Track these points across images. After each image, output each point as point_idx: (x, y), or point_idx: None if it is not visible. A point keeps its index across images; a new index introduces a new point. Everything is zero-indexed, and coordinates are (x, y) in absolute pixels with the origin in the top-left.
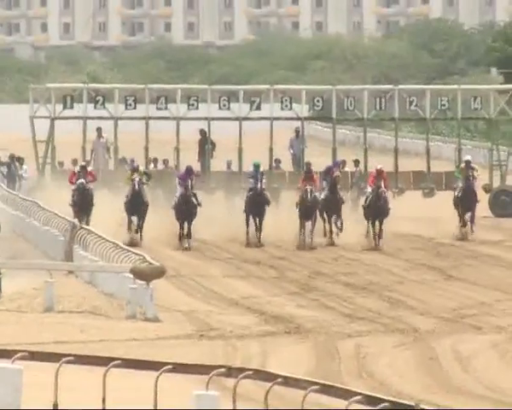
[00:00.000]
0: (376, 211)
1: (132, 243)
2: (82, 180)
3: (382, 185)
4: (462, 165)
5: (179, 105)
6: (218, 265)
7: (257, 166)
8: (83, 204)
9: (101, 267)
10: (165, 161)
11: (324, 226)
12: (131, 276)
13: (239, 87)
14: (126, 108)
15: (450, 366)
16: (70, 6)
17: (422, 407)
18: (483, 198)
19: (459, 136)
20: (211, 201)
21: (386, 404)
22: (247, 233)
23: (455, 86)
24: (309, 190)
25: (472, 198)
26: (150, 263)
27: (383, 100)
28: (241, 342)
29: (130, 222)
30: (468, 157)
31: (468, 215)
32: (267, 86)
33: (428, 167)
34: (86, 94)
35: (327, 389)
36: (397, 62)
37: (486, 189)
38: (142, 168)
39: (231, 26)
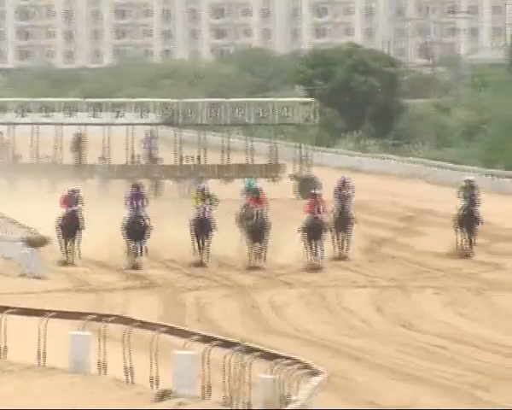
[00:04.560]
0: (313, 233)
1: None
2: (76, 208)
3: (321, 210)
4: (463, 184)
5: (60, 114)
6: None
7: (249, 185)
8: (71, 228)
9: None
10: (49, 157)
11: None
12: (23, 243)
13: (106, 100)
14: (20, 117)
15: (268, 313)
16: None
17: (246, 344)
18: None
19: (275, 137)
20: (86, 187)
21: (219, 342)
22: (249, 250)
23: (271, 99)
24: (259, 210)
25: (475, 220)
26: (37, 233)
27: (218, 110)
28: (107, 294)
29: (194, 244)
30: (469, 177)
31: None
32: (128, 99)
33: (252, 160)
34: None
35: (173, 331)
36: (227, 81)
37: (296, 177)
38: (208, 191)
39: (100, 53)
